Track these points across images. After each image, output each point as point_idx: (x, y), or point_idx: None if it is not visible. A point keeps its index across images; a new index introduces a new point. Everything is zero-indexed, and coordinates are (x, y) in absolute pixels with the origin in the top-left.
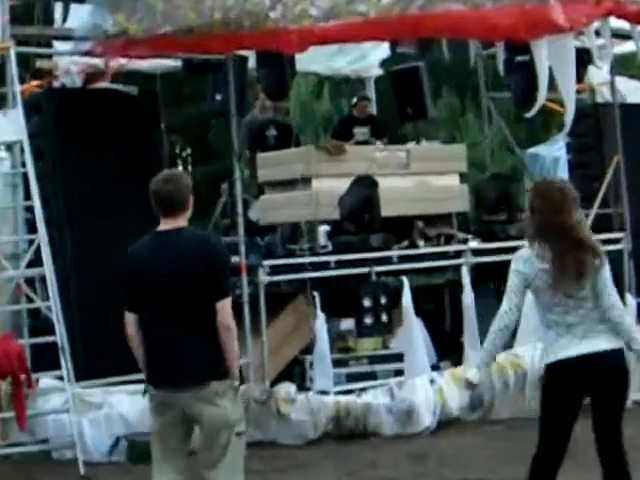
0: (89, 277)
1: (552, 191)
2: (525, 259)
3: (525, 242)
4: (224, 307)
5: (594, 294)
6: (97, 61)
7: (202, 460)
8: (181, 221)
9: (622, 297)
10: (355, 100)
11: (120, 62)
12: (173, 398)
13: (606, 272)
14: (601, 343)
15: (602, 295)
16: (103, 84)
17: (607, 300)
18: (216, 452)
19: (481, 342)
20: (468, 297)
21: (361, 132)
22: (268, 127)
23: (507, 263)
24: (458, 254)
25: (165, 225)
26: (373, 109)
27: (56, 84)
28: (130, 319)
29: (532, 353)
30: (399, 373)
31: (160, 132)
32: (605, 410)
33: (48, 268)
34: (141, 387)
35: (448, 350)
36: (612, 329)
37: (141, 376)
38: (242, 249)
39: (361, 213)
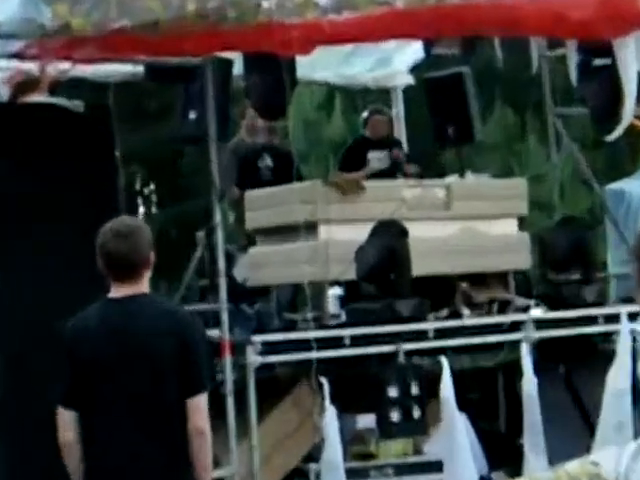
0: (12, 354)
1: None
2: None
3: (605, 310)
4: (198, 405)
5: None
6: (30, 66)
7: None
8: (140, 286)
9: None
10: (367, 114)
11: (61, 67)
12: None
13: None
14: None
15: None
16: (38, 97)
17: None
18: None
19: (547, 446)
20: (529, 385)
21: (377, 157)
22: (261, 155)
23: (582, 338)
24: (516, 326)
25: (118, 292)
26: (400, 129)
27: None
28: (67, 419)
29: (616, 460)
30: None
31: (114, 161)
32: None
33: None
34: None
35: (502, 456)
36: None
37: None
38: (225, 320)
39: (385, 271)
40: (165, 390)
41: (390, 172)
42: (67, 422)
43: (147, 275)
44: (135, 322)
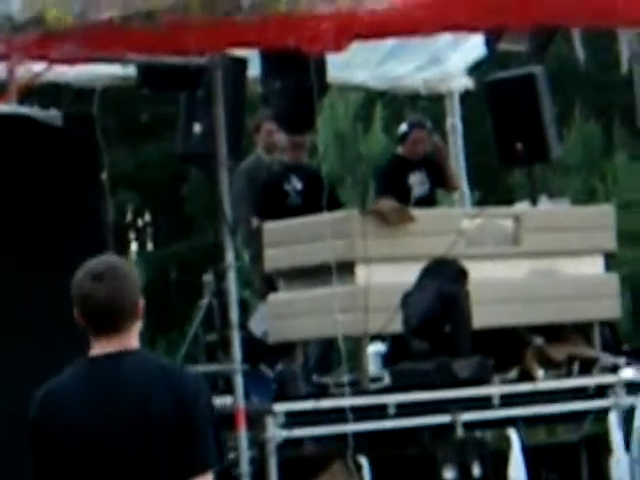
0: None
1: None
2: None
3: None
4: None
5: None
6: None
7: None
8: (128, 341)
9: None
10: (405, 128)
11: (34, 69)
12: None
13: None
14: None
15: None
16: (4, 106)
17: None
18: None
19: None
20: (620, 463)
21: (418, 181)
22: (288, 177)
23: None
24: (603, 391)
25: (102, 348)
26: (457, 143)
27: None
28: None
29: None
30: None
31: (100, 185)
32: None
33: None
34: None
35: None
36: None
37: None
38: (239, 383)
39: (440, 322)
40: (163, 470)
41: (432, 199)
42: None
43: (136, 327)
44: (123, 386)
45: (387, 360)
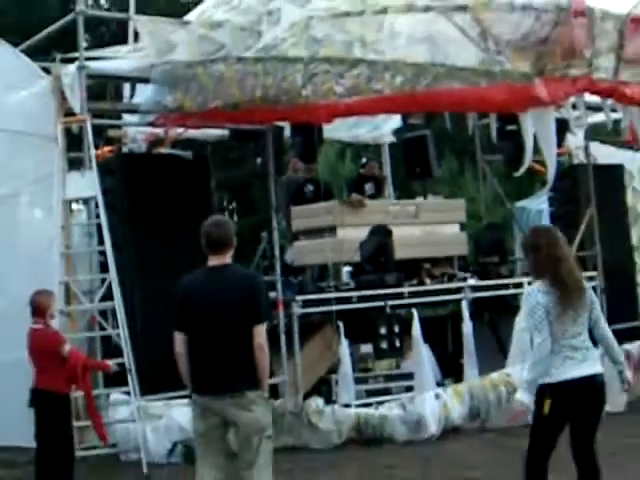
0: (151, 309)
1: (550, 231)
2: (541, 292)
3: (513, 280)
4: (259, 331)
5: (590, 323)
6: (159, 130)
7: (240, 461)
8: (227, 258)
9: None
10: (365, 161)
11: (178, 131)
12: (215, 404)
13: (597, 303)
14: (595, 366)
15: (598, 322)
16: (164, 150)
17: (602, 326)
18: (251, 453)
19: (478, 364)
20: (467, 326)
21: (369, 187)
22: (305, 184)
23: (500, 298)
24: (459, 290)
25: (214, 261)
26: (387, 169)
27: (125, 149)
28: (179, 339)
29: (520, 373)
30: (410, 389)
31: (210, 189)
32: (588, 422)
33: (118, 302)
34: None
35: (450, 370)
36: (599, 354)
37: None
38: (279, 287)
39: (378, 256)
40: (240, 320)
41: (373, 196)
42: (179, 341)
43: (230, 252)
44: (222, 280)
45: (352, 275)
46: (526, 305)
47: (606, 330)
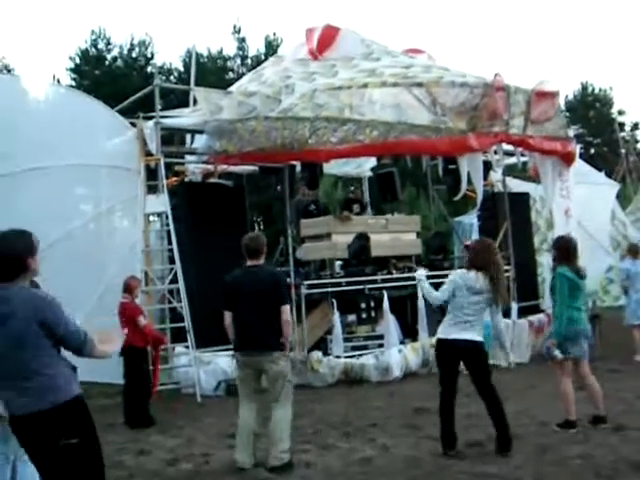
0: (204, 290)
1: (486, 242)
2: (460, 275)
3: (452, 271)
4: (285, 309)
5: (488, 305)
6: (210, 166)
7: (269, 395)
8: (260, 260)
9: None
10: (352, 189)
11: (223, 167)
12: (251, 360)
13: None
14: (475, 333)
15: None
16: (213, 180)
17: (496, 309)
18: (276, 392)
19: (428, 328)
20: (421, 303)
21: (356, 207)
22: (311, 204)
23: (443, 283)
24: (415, 278)
25: (250, 262)
26: (367, 195)
27: (186, 179)
28: (227, 315)
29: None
30: (381, 346)
31: (245, 208)
32: (475, 371)
33: (181, 284)
34: (232, 353)
35: (409, 333)
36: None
37: (232, 347)
38: (292, 274)
39: (360, 254)
40: (270, 303)
41: (359, 214)
42: (227, 317)
43: (263, 257)
44: (257, 276)
45: (342, 267)
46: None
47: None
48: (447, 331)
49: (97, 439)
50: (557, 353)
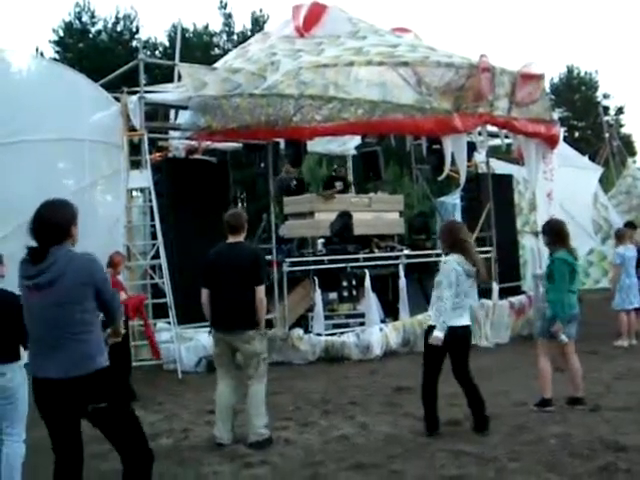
0: (185, 266)
1: (458, 224)
2: (457, 262)
3: (435, 251)
4: (260, 289)
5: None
6: (194, 142)
7: (245, 372)
8: (240, 237)
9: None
10: (335, 167)
11: (207, 144)
12: (225, 337)
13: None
14: (468, 318)
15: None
16: (197, 156)
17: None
18: (251, 370)
19: (409, 308)
20: (402, 282)
21: (339, 185)
22: (292, 180)
23: (425, 263)
24: (397, 257)
25: (231, 239)
26: (350, 173)
27: (170, 155)
28: (204, 293)
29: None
30: (362, 324)
31: (228, 184)
32: (456, 356)
33: (163, 260)
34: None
35: (390, 311)
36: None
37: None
38: (274, 252)
39: (342, 232)
40: (247, 281)
41: (342, 191)
42: (204, 294)
43: (243, 234)
44: (236, 253)
45: (325, 244)
46: (443, 269)
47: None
48: (455, 317)
49: (129, 402)
50: (564, 337)
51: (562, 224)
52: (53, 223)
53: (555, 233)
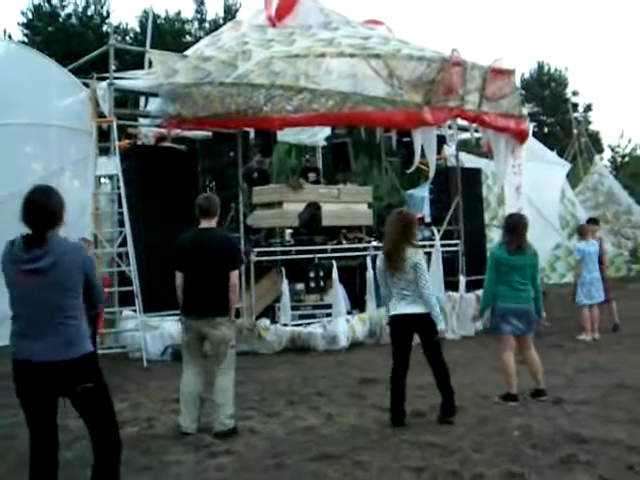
0: (153, 254)
1: (391, 216)
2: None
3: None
4: (234, 274)
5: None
6: (163, 130)
7: (212, 361)
8: (213, 223)
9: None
10: (307, 157)
11: (176, 131)
12: (195, 324)
13: (420, 268)
14: (415, 307)
15: (418, 282)
16: (166, 143)
17: (421, 285)
18: (219, 357)
19: (376, 300)
20: (370, 273)
21: (312, 175)
22: (254, 172)
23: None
24: (365, 249)
25: (204, 224)
26: (320, 163)
27: (139, 142)
28: (178, 276)
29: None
30: (329, 315)
31: (197, 173)
32: (424, 341)
33: (130, 248)
34: (179, 317)
35: (357, 303)
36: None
37: (179, 312)
38: (242, 241)
39: (310, 223)
40: (220, 266)
41: (316, 182)
42: (178, 277)
43: (215, 219)
44: (209, 238)
45: (292, 235)
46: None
47: (423, 288)
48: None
49: (106, 385)
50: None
51: (514, 218)
52: (49, 209)
53: (505, 227)
